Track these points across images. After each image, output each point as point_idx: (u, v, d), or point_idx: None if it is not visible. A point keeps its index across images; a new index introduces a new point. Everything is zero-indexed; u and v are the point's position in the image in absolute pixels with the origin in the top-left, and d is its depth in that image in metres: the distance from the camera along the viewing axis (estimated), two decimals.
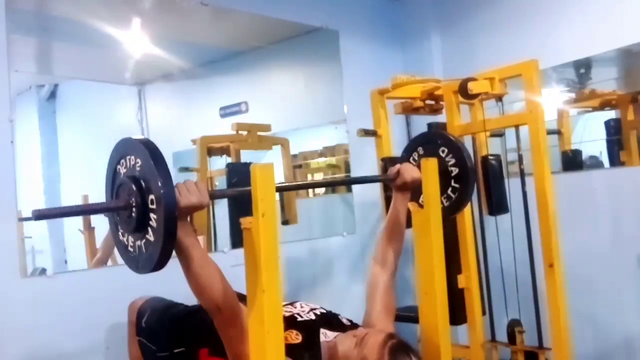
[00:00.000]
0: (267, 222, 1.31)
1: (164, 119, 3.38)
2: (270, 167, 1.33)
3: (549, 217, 2.30)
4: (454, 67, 3.40)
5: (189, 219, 1.42)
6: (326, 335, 1.66)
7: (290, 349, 1.47)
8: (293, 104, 3.56)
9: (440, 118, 2.77)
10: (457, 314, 2.55)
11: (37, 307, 2.19)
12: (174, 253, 1.30)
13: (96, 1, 2.68)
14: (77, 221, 2.87)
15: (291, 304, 1.80)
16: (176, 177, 3.19)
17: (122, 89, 3.28)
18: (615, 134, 2.90)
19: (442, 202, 1.91)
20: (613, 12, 2.81)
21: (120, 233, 1.40)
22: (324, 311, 1.78)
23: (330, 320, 1.74)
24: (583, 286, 2.76)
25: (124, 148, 1.37)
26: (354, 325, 1.73)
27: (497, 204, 2.56)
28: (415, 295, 1.88)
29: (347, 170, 3.47)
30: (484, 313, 2.65)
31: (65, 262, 2.93)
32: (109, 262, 2.66)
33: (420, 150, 2.06)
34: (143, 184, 1.27)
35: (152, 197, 1.25)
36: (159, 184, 1.22)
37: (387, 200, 2.64)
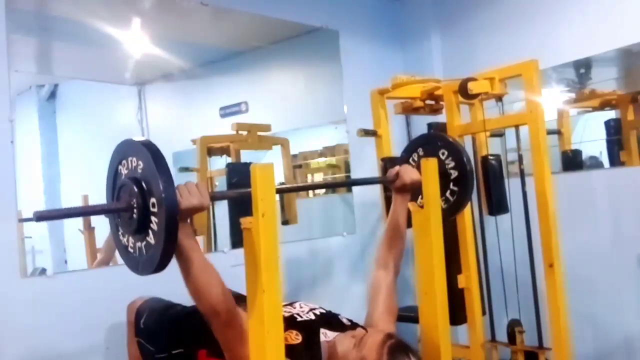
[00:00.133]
0: (267, 222, 1.31)
1: (164, 119, 3.38)
2: (270, 167, 1.33)
3: (549, 217, 2.30)
4: (454, 67, 3.40)
5: (189, 220, 1.42)
6: (326, 335, 1.65)
7: (290, 349, 1.47)
8: (293, 104, 3.56)
9: (440, 118, 2.77)
10: (457, 314, 2.55)
11: (37, 307, 2.18)
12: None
13: (96, 1, 2.68)
14: (77, 221, 2.87)
15: (291, 304, 1.79)
16: (176, 177, 3.21)
17: (122, 89, 3.29)
18: (615, 134, 2.90)
19: None
20: (613, 12, 2.80)
21: (120, 234, 1.40)
22: (324, 311, 1.78)
23: (330, 320, 1.74)
24: (583, 286, 2.76)
25: (125, 149, 1.37)
26: (354, 325, 1.73)
27: (497, 204, 2.56)
28: (415, 295, 1.88)
29: (347, 170, 3.46)
30: (484, 313, 2.65)
31: (65, 262, 2.94)
32: (110, 263, 2.66)
33: (420, 151, 2.06)
34: (144, 185, 1.27)
35: (153, 199, 1.25)
36: (161, 186, 1.22)
37: (387, 200, 2.63)
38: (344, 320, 1.75)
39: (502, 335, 2.64)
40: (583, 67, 3.01)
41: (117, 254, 1.51)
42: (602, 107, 2.96)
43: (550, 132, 2.70)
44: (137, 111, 3.24)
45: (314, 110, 3.54)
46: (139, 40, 2.88)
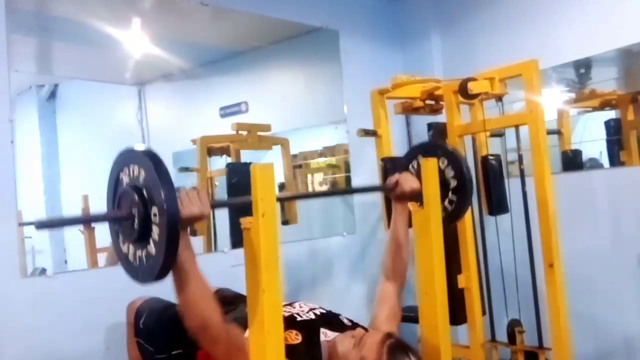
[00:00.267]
0: (267, 222, 1.31)
1: (164, 119, 3.39)
2: (270, 167, 1.33)
3: (549, 217, 2.30)
4: (454, 67, 3.40)
5: (188, 229, 1.41)
6: (326, 335, 1.65)
7: (290, 349, 1.46)
8: (293, 104, 3.56)
9: (440, 118, 2.77)
10: (457, 314, 2.55)
11: (37, 307, 2.18)
12: None
13: (96, 1, 2.68)
14: None
15: (290, 304, 1.79)
16: (176, 177, 3.22)
17: (122, 89, 3.29)
18: (615, 134, 2.90)
19: None
20: (613, 12, 2.80)
21: (120, 241, 1.39)
22: (324, 311, 1.78)
23: (330, 320, 1.74)
24: (583, 286, 2.76)
25: (126, 157, 1.36)
26: (354, 326, 1.73)
27: (497, 204, 2.56)
28: (415, 295, 1.88)
29: (347, 170, 3.47)
30: (484, 313, 2.65)
31: (65, 262, 2.94)
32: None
33: (420, 158, 2.05)
34: (146, 194, 1.27)
35: (155, 208, 1.25)
36: (163, 195, 1.21)
37: (387, 200, 2.64)
38: (345, 321, 1.75)
39: (502, 335, 2.64)
40: (583, 67, 3.00)
41: None
42: (602, 107, 2.96)
43: (550, 132, 2.69)
44: (137, 111, 3.24)
45: (314, 110, 3.54)
46: (139, 40, 2.88)
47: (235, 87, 3.52)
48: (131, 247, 1.35)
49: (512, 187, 2.59)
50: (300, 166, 3.57)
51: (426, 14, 3.61)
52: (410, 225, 1.86)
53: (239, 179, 2.87)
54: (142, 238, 1.28)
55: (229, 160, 3.08)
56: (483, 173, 2.57)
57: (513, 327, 2.58)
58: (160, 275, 1.27)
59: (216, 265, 2.61)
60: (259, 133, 3.14)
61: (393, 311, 1.82)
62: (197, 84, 3.47)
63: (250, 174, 1.31)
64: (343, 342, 1.59)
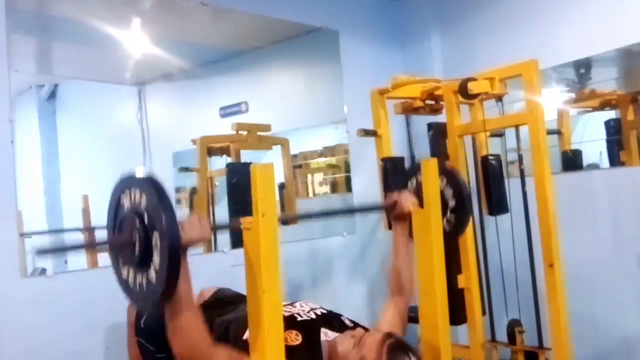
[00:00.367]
0: (267, 222, 1.31)
1: (164, 119, 3.38)
2: (270, 167, 1.33)
3: (549, 217, 2.30)
4: (454, 67, 3.40)
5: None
6: (327, 335, 1.65)
7: (289, 351, 1.45)
8: (293, 104, 3.56)
9: (441, 118, 2.77)
10: (457, 314, 2.55)
11: (37, 307, 2.18)
12: None
13: (96, 1, 2.68)
14: (77, 221, 2.87)
15: (291, 304, 1.79)
16: (176, 177, 3.22)
17: (122, 89, 3.28)
18: (615, 134, 2.90)
19: None
20: (613, 12, 2.80)
21: (120, 265, 1.39)
22: (325, 311, 1.78)
23: (331, 320, 1.73)
24: (583, 286, 2.76)
25: (128, 181, 1.36)
26: (355, 326, 1.73)
27: (497, 204, 2.56)
28: (416, 295, 1.88)
29: (347, 170, 3.47)
30: (484, 313, 2.65)
31: (65, 262, 2.93)
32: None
33: (419, 177, 2.05)
34: (147, 221, 1.27)
35: (156, 234, 1.25)
36: (164, 222, 1.21)
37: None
38: (346, 322, 1.75)
39: (502, 335, 2.64)
40: (583, 67, 3.00)
41: None
42: (602, 107, 2.96)
43: (550, 132, 2.69)
44: (137, 111, 3.24)
45: (314, 110, 3.54)
46: (139, 40, 2.88)
47: (235, 87, 3.52)
48: (131, 272, 1.35)
49: (512, 187, 2.59)
50: (300, 166, 3.57)
51: (426, 14, 3.61)
52: (411, 234, 1.85)
53: (239, 179, 2.87)
54: (142, 264, 1.28)
55: (229, 160, 3.08)
56: (483, 173, 2.58)
57: (513, 327, 2.58)
58: (159, 306, 1.29)
59: (216, 265, 2.62)
60: (259, 133, 3.14)
61: (394, 322, 1.82)
62: (197, 84, 3.47)
63: (250, 174, 1.31)
64: (343, 342, 1.59)
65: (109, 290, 2.29)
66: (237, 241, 2.72)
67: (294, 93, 3.58)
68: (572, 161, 3.07)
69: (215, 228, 1.39)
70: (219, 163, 3.12)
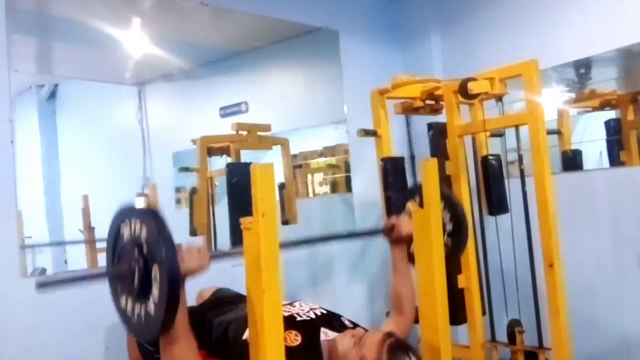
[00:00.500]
0: (267, 222, 1.31)
1: (164, 119, 3.39)
2: (270, 167, 1.33)
3: (549, 217, 2.30)
4: (454, 67, 3.40)
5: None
6: (327, 335, 1.65)
7: (289, 351, 1.45)
8: (293, 104, 3.56)
9: (441, 118, 2.77)
10: (457, 314, 2.55)
11: (37, 307, 2.18)
12: None
13: (96, 1, 2.68)
14: (77, 221, 2.88)
15: (290, 303, 1.79)
16: (176, 177, 3.22)
17: (122, 89, 3.29)
18: (615, 134, 2.90)
19: None
20: (613, 12, 2.80)
21: (118, 293, 1.39)
22: (325, 311, 1.78)
23: (331, 320, 1.74)
24: (583, 286, 2.76)
25: (128, 212, 1.36)
26: (355, 327, 1.73)
27: (497, 204, 2.56)
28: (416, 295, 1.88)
29: (347, 170, 3.47)
30: (484, 313, 2.65)
31: (65, 262, 2.94)
32: None
33: (417, 199, 2.05)
34: (147, 252, 1.27)
35: (155, 268, 1.24)
36: (164, 257, 1.22)
37: (387, 200, 2.64)
38: (346, 322, 1.75)
39: (502, 335, 2.64)
40: (583, 67, 3.00)
41: None
42: (602, 107, 2.96)
43: (550, 132, 2.69)
44: (137, 111, 3.24)
45: (314, 110, 3.54)
46: (139, 40, 2.88)
47: (235, 87, 3.52)
48: (130, 302, 1.35)
49: (512, 187, 2.59)
50: (300, 166, 3.57)
51: (426, 14, 3.61)
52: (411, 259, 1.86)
53: (239, 179, 2.86)
54: (141, 295, 1.28)
55: (229, 160, 3.08)
56: (483, 173, 2.57)
57: (513, 327, 2.58)
58: (158, 336, 1.29)
59: (216, 265, 2.61)
60: (259, 133, 3.14)
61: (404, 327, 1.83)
62: (197, 84, 3.47)
63: (250, 174, 1.31)
64: (343, 341, 1.59)
65: (109, 290, 2.32)
66: (237, 241, 2.72)
67: (294, 93, 3.58)
68: (572, 161, 3.07)
69: (214, 257, 1.40)
70: (219, 163, 3.12)
